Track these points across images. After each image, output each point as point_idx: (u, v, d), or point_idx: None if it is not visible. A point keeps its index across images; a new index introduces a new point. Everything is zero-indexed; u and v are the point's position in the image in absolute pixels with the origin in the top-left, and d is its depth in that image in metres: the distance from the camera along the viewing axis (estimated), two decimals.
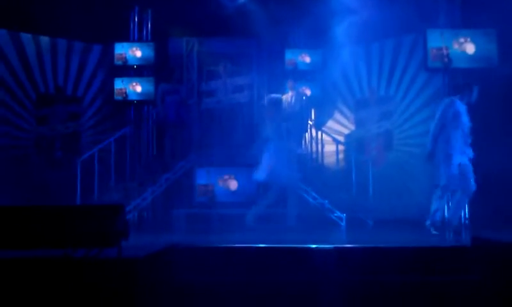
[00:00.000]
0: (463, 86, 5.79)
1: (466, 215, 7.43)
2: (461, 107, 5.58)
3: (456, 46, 7.37)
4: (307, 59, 9.24)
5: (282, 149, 6.39)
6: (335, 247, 4.52)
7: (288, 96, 8.88)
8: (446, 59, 7.32)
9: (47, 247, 3.90)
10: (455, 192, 5.59)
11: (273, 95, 6.58)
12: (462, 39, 7.40)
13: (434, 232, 5.51)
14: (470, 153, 5.53)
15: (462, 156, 5.47)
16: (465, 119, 5.57)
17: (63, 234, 3.89)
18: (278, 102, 6.47)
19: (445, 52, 7.34)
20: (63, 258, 3.77)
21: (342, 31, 8.04)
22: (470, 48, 7.39)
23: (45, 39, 9.19)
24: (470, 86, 5.70)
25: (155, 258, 4.01)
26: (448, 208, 5.89)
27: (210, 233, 6.74)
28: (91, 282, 3.62)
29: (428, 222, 5.60)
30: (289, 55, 9.22)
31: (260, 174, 6.45)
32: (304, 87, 9.22)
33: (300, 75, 9.26)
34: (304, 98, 8.99)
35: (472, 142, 5.56)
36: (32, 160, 8.80)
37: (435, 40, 7.37)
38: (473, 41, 7.36)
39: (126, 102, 8.88)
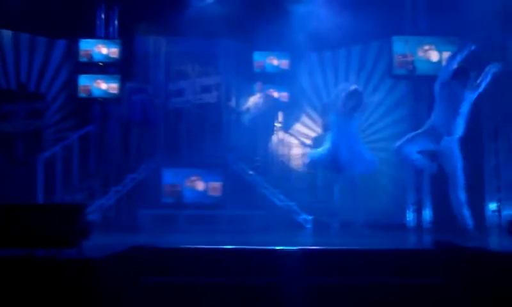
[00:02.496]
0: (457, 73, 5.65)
1: (429, 218, 7.62)
2: None
3: (420, 53, 7.52)
4: (275, 62, 9.29)
5: (351, 137, 6.07)
6: (300, 249, 4.54)
7: (256, 98, 8.90)
8: (411, 66, 7.47)
9: (6, 246, 3.79)
10: None
11: (348, 86, 6.25)
12: (426, 47, 7.55)
13: None
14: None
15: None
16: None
17: (22, 233, 3.79)
18: (356, 93, 6.11)
19: (409, 59, 7.48)
20: (23, 257, 3.67)
21: (310, 35, 8.11)
22: (435, 56, 7.56)
23: (7, 33, 8.92)
24: (465, 71, 5.43)
25: (116, 258, 3.94)
26: None
27: (176, 234, 6.67)
28: (51, 282, 3.54)
29: None
30: (257, 58, 9.25)
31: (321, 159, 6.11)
32: (271, 90, 9.25)
33: (268, 78, 9.29)
34: (272, 100, 9.01)
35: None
36: None
37: (400, 47, 7.51)
38: (438, 48, 7.53)
39: (90, 100, 8.72)
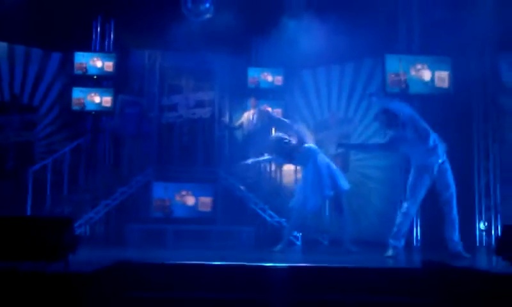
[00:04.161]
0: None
1: (418, 238, 7.62)
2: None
3: (413, 72, 7.57)
4: (269, 78, 9.33)
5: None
6: (289, 266, 4.52)
7: (250, 114, 8.92)
8: (403, 85, 7.51)
9: None
10: None
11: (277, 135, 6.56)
12: (419, 66, 7.61)
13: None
14: None
15: None
16: None
17: (8, 245, 3.76)
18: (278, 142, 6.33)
19: (402, 77, 7.52)
20: (8, 270, 3.63)
21: (304, 52, 8.16)
22: (427, 75, 7.61)
23: (2, 45, 8.94)
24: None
25: (103, 273, 3.90)
26: None
27: (164, 249, 6.63)
28: (36, 296, 3.50)
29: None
30: (252, 73, 9.29)
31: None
32: (265, 106, 9.28)
33: (262, 94, 9.32)
34: (266, 116, 9.03)
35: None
36: None
37: (393, 65, 7.55)
38: (430, 68, 7.58)
39: (84, 113, 8.70)
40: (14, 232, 3.86)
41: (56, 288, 3.51)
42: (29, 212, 7.03)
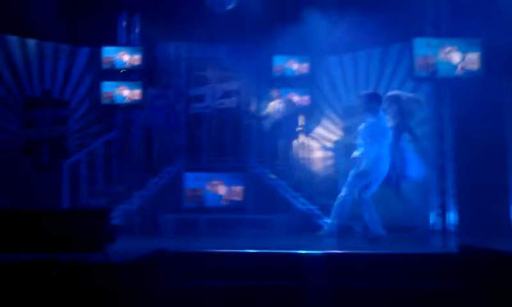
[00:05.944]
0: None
1: (455, 222, 7.52)
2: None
3: (441, 55, 7.42)
4: (295, 66, 9.28)
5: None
6: (323, 253, 4.53)
7: (276, 103, 8.91)
8: (432, 68, 7.38)
9: (33, 251, 3.86)
10: None
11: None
12: (448, 49, 7.46)
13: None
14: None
15: None
16: None
17: (48, 238, 3.86)
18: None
19: (431, 61, 7.40)
20: (49, 261, 3.73)
21: (330, 38, 8.09)
22: (456, 57, 7.47)
23: (32, 42, 9.11)
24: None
25: (140, 263, 3.98)
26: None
27: (198, 238, 6.71)
28: (75, 286, 3.59)
29: None
30: (277, 62, 9.25)
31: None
32: (292, 94, 9.24)
33: (288, 82, 9.29)
34: (293, 104, 9.01)
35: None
36: (19, 164, 8.68)
37: (421, 49, 7.42)
38: (459, 50, 7.44)
39: (113, 106, 8.82)
40: (53, 224, 3.95)
41: (95, 278, 3.59)
42: (66, 204, 7.19)
